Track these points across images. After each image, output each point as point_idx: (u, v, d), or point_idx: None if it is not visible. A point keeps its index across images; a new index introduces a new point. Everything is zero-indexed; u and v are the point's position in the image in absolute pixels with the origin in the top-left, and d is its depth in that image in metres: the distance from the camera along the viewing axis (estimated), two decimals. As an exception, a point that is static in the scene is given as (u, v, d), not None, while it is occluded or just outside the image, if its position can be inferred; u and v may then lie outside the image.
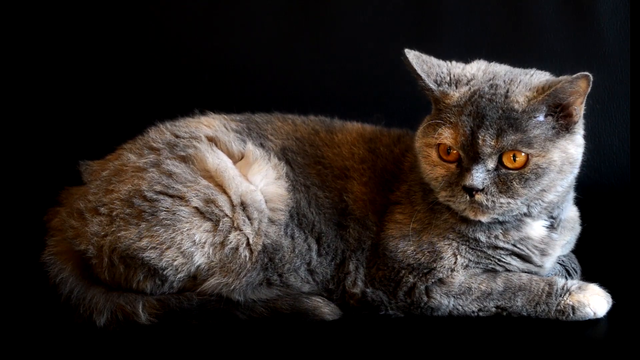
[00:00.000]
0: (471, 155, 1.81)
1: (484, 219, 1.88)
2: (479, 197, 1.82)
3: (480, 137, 1.80)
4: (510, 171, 1.81)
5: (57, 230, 2.04)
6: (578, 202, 2.08)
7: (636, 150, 2.57)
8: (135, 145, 2.06)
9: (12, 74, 2.80)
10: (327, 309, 1.96)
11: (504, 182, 1.82)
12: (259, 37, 2.82)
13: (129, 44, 2.83)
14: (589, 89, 1.81)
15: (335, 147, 2.09)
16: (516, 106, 1.81)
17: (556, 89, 1.79)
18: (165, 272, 1.92)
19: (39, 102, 2.82)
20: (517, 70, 1.93)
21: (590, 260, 2.16)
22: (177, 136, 2.04)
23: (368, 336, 1.90)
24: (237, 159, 2.03)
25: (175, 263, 1.91)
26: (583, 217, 2.11)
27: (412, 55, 1.92)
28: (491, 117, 1.81)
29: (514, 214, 1.89)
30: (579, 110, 1.85)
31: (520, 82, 1.86)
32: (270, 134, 2.11)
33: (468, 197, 1.83)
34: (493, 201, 1.83)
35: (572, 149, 1.86)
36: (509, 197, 1.83)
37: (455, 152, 1.85)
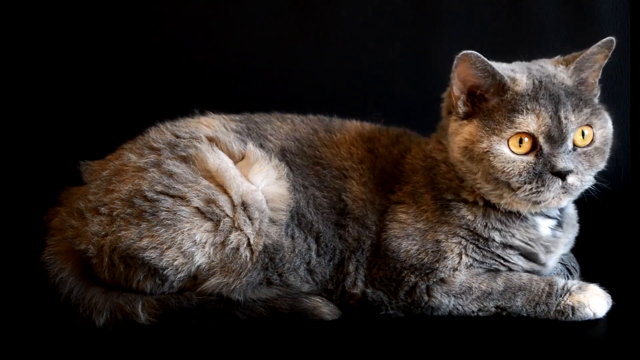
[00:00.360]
0: (556, 137, 1.81)
1: (565, 202, 1.89)
2: (572, 178, 1.83)
3: (562, 116, 1.81)
4: (586, 148, 1.85)
5: (57, 230, 2.03)
6: (578, 202, 2.08)
7: (636, 150, 2.58)
8: (135, 145, 2.06)
9: (12, 74, 2.80)
10: (326, 309, 1.96)
11: (587, 159, 1.85)
12: (258, 37, 2.82)
13: (129, 44, 2.83)
14: (607, 60, 1.89)
15: (334, 147, 2.09)
16: (568, 82, 1.86)
17: (585, 56, 1.87)
18: (165, 272, 1.92)
19: (39, 102, 2.82)
20: (533, 61, 1.98)
21: (590, 260, 2.16)
22: (177, 136, 2.04)
23: (367, 336, 1.90)
24: (237, 159, 2.03)
25: (176, 263, 1.91)
26: (583, 217, 2.11)
27: (474, 53, 1.84)
28: (563, 96, 1.83)
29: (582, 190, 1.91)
30: (596, 83, 1.92)
31: (546, 63, 1.92)
32: (269, 134, 2.10)
33: (560, 182, 1.82)
34: (581, 180, 1.85)
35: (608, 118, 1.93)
36: (591, 173, 1.87)
37: (529, 142, 1.82)
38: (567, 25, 2.71)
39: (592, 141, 1.86)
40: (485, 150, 1.84)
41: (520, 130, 1.81)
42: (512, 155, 1.83)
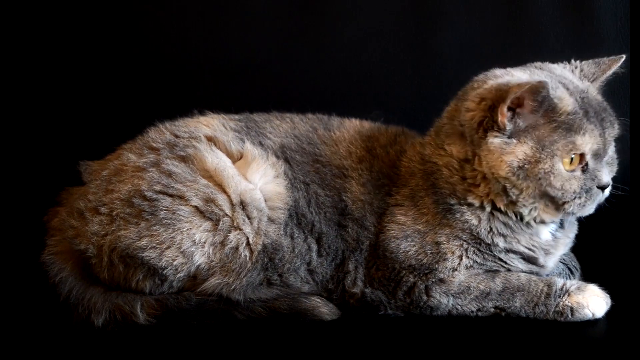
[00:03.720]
0: (601, 155, 1.87)
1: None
2: (608, 190, 1.90)
3: (607, 133, 1.86)
4: (607, 157, 1.91)
5: (57, 230, 2.04)
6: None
7: (636, 150, 2.57)
8: (135, 145, 2.06)
9: (12, 74, 2.81)
10: (325, 309, 1.96)
11: (611, 168, 1.93)
12: (258, 36, 2.82)
13: (129, 44, 2.83)
14: None
15: (333, 145, 2.08)
16: (598, 97, 1.92)
17: (608, 74, 1.96)
18: (164, 272, 1.92)
19: (39, 102, 2.82)
20: (543, 66, 1.98)
21: (590, 260, 2.16)
22: (176, 136, 2.04)
23: (367, 336, 1.90)
24: (236, 158, 2.03)
25: (175, 263, 1.91)
26: (583, 217, 2.11)
27: (543, 80, 1.79)
28: (604, 112, 1.88)
29: None
30: None
31: (571, 77, 1.93)
32: (268, 133, 2.10)
33: (601, 194, 1.89)
34: (610, 189, 1.91)
35: None
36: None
37: (577, 158, 1.85)
38: (567, 25, 2.71)
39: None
40: (547, 171, 1.83)
41: (580, 152, 1.84)
42: (568, 174, 1.85)
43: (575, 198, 1.86)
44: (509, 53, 2.70)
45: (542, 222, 1.94)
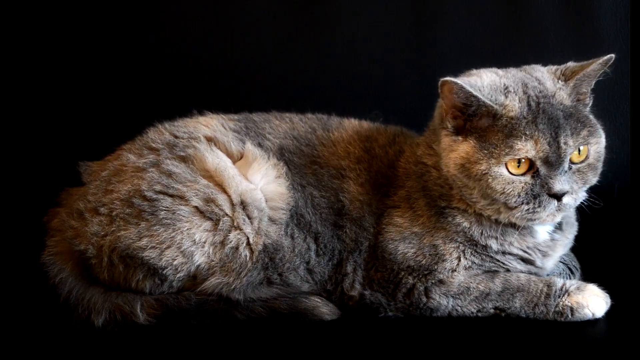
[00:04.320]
0: (553, 162, 1.80)
1: (559, 218, 1.91)
2: (567, 198, 1.83)
3: (562, 141, 1.80)
4: (580, 165, 1.85)
5: (57, 230, 2.04)
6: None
7: (636, 150, 2.57)
8: (134, 146, 2.06)
9: (12, 73, 2.81)
10: (325, 309, 1.96)
11: (580, 177, 1.85)
12: (258, 36, 2.82)
13: (129, 44, 2.83)
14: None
15: (332, 146, 2.08)
16: (566, 102, 1.85)
17: (585, 73, 1.85)
18: (164, 272, 1.92)
19: (39, 102, 2.82)
20: (523, 69, 1.94)
21: (590, 260, 2.16)
22: (176, 136, 2.05)
23: (367, 336, 1.90)
24: (236, 158, 2.03)
25: (175, 262, 1.91)
26: (583, 217, 2.10)
27: (460, 81, 1.81)
28: (562, 119, 1.81)
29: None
30: (589, 92, 1.90)
31: (544, 78, 1.88)
32: (267, 133, 2.10)
33: (556, 203, 1.83)
34: (575, 198, 1.86)
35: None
36: (584, 189, 1.87)
37: (526, 163, 1.82)
38: (567, 25, 2.70)
39: (587, 157, 1.85)
40: (484, 172, 1.83)
41: (519, 157, 1.81)
42: (511, 177, 1.83)
43: (523, 203, 1.83)
44: (509, 53, 2.70)
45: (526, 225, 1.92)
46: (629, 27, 2.63)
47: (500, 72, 1.94)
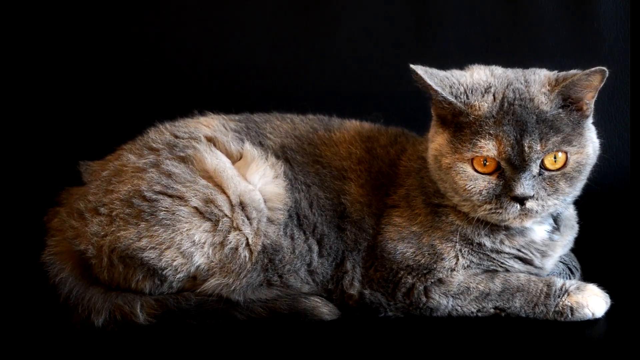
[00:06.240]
0: (517, 164, 1.79)
1: (529, 223, 1.89)
2: (530, 203, 1.81)
3: (526, 144, 1.78)
4: (554, 172, 1.82)
5: (57, 230, 2.04)
6: (578, 202, 2.08)
7: (636, 150, 2.58)
8: (135, 146, 2.06)
9: (12, 73, 2.81)
10: (325, 309, 1.96)
11: (551, 184, 1.82)
12: (258, 36, 2.82)
13: (129, 44, 2.83)
14: (602, 85, 1.83)
15: (333, 146, 2.08)
16: (545, 107, 1.81)
17: (572, 81, 1.81)
18: (164, 272, 1.92)
19: (39, 102, 2.82)
20: (523, 71, 1.93)
21: (590, 260, 2.16)
22: (176, 136, 2.05)
23: (367, 336, 1.90)
24: (235, 158, 2.03)
25: (175, 263, 1.91)
26: (583, 217, 2.10)
27: (421, 70, 1.85)
28: (530, 122, 1.79)
29: (553, 212, 1.90)
30: (590, 104, 1.87)
31: (533, 82, 1.86)
32: (269, 133, 2.11)
33: (519, 206, 1.81)
34: (542, 205, 1.82)
35: (595, 140, 1.89)
36: (555, 198, 1.83)
37: (493, 163, 1.82)
38: (567, 25, 2.70)
39: (564, 166, 1.83)
40: (449, 165, 1.85)
41: (480, 155, 1.81)
42: (475, 174, 1.83)
43: (485, 202, 1.83)
44: (509, 53, 2.70)
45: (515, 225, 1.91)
46: (629, 27, 2.63)
47: (497, 70, 1.94)
